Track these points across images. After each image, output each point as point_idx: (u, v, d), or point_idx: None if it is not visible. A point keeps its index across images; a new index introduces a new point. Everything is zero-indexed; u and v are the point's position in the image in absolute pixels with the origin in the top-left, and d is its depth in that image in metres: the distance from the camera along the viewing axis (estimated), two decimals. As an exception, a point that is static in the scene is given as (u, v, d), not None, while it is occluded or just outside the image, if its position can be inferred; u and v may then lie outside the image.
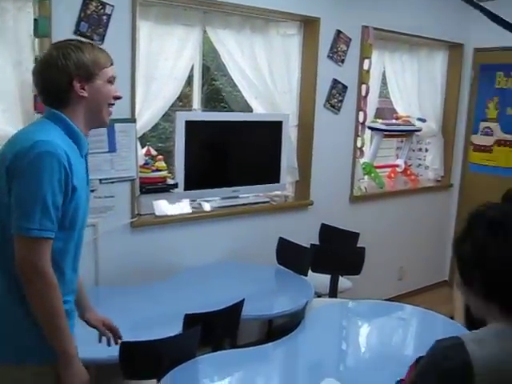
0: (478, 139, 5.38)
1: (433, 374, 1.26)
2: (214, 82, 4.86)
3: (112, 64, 1.81)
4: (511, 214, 1.32)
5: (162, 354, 2.21)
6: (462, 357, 1.21)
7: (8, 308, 1.67)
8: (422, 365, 1.31)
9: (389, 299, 4.81)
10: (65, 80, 1.70)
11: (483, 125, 5.32)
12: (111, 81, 1.80)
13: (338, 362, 2.62)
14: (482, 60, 5.28)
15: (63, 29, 2.83)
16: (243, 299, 2.69)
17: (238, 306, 2.68)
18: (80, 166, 1.74)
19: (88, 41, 1.98)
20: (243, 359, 2.49)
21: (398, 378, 2.07)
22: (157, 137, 4.42)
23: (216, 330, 2.56)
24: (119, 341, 2.07)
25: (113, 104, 1.82)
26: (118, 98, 1.84)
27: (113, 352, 2.09)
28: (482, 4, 1.74)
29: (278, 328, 3.24)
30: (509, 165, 5.15)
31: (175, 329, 2.46)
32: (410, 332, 3.10)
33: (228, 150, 3.83)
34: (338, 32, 4.11)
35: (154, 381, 2.20)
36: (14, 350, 1.66)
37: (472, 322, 2.95)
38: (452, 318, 3.23)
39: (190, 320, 2.45)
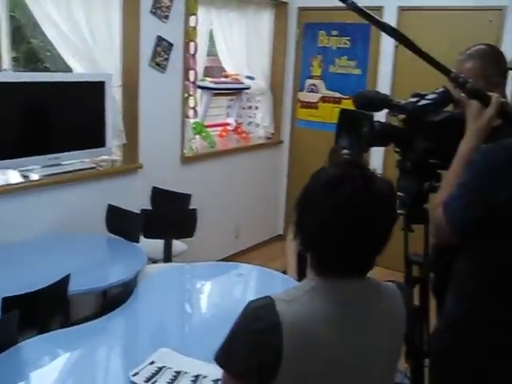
0: (304, 96, 5.53)
1: (245, 335, 1.21)
2: (32, 40, 4.42)
3: None
4: (350, 174, 1.25)
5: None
6: (272, 317, 1.18)
7: None
8: (235, 325, 1.25)
9: (227, 258, 4.88)
10: None
11: (309, 82, 5.48)
12: None
13: (176, 327, 2.54)
14: (306, 19, 5.40)
15: None
16: (68, 274, 2.51)
17: (64, 282, 2.49)
18: None
19: None
20: (74, 337, 2.31)
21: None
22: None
23: (40, 310, 2.36)
24: None
25: None
26: None
27: None
28: None
29: (114, 299, 3.08)
30: (332, 120, 5.34)
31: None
32: (247, 290, 3.13)
33: (46, 115, 3.50)
34: (161, -15, 3.91)
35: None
36: None
37: (304, 274, 3.05)
38: (285, 272, 3.33)
39: (9, 304, 2.22)
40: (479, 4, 4.49)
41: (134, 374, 1.91)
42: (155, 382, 1.88)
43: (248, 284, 3.19)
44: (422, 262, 2.23)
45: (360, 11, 1.76)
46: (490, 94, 1.66)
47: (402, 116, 2.11)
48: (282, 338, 1.16)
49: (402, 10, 4.82)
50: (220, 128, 5.22)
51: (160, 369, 1.95)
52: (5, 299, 2.23)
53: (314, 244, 1.28)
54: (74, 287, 2.58)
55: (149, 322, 2.51)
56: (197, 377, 1.91)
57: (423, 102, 2.08)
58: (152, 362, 1.99)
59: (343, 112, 2.19)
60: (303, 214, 1.28)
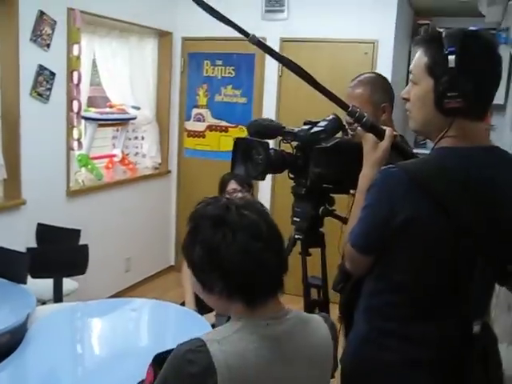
0: (191, 125, 5.54)
1: (178, 381, 1.19)
2: None
3: None
4: (230, 208, 1.29)
5: None
6: (205, 359, 1.18)
7: None
8: (165, 371, 1.23)
9: (118, 292, 4.73)
10: None
11: (195, 111, 5.51)
12: None
13: (71, 369, 2.40)
14: (190, 49, 5.44)
15: None
16: None
17: None
18: None
19: None
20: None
21: (140, 379, 1.98)
22: None
23: None
24: None
25: None
26: None
27: None
28: None
29: (2, 348, 2.86)
30: (220, 148, 5.42)
31: None
32: (142, 324, 3.03)
33: None
34: (41, 13, 3.76)
35: None
36: None
37: (202, 306, 3.02)
38: (183, 303, 3.27)
39: None
40: (355, 37, 4.78)
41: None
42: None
43: (143, 318, 3.09)
44: (320, 284, 2.29)
45: (261, 45, 1.81)
46: (384, 127, 1.74)
47: (295, 143, 2.17)
48: (217, 379, 1.16)
49: (284, 41, 4.99)
50: (106, 159, 5.08)
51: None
52: None
53: (245, 287, 1.27)
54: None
55: (42, 368, 2.34)
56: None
57: (315, 128, 2.14)
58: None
59: (238, 140, 2.22)
60: (223, 267, 1.25)
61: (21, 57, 3.66)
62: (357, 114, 1.72)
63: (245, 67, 5.25)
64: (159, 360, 1.88)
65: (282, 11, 5.02)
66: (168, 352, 1.87)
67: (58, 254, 3.43)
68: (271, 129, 2.24)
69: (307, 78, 1.75)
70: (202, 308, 3.14)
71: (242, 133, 5.22)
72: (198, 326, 2.65)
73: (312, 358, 1.33)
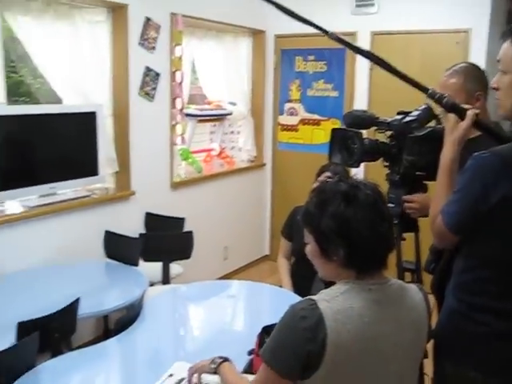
0: (284, 119, 5.73)
1: (293, 334, 1.36)
2: (12, 74, 4.52)
3: None
4: (359, 186, 1.46)
5: (-2, 369, 2.05)
6: (316, 315, 1.35)
7: None
8: (281, 326, 1.40)
9: (217, 279, 4.97)
10: None
11: (288, 105, 5.68)
12: None
13: (184, 345, 2.64)
14: (283, 45, 5.62)
15: None
16: (78, 298, 2.60)
17: (74, 306, 2.58)
18: None
19: None
20: (88, 360, 2.38)
21: (250, 349, 2.18)
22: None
23: (53, 334, 2.44)
24: None
25: None
26: None
27: None
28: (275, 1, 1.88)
29: (116, 323, 3.17)
30: (312, 141, 5.57)
31: (6, 340, 2.30)
32: (244, 304, 3.24)
33: (41, 145, 3.59)
34: (147, 19, 4.07)
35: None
36: None
37: (298, 291, 3.18)
38: (280, 286, 3.45)
39: (24, 328, 2.30)
40: (446, 27, 4.76)
41: (156, 386, 2.01)
42: (176, 392, 1.98)
43: (242, 300, 3.29)
44: (413, 268, 2.39)
45: (340, 40, 1.94)
46: (465, 106, 1.82)
47: (388, 132, 2.29)
48: (326, 332, 1.33)
49: (375, 34, 5.06)
50: (205, 153, 5.36)
51: (180, 380, 2.04)
52: (20, 324, 2.31)
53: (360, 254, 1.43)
54: (81, 311, 2.67)
55: (160, 339, 2.59)
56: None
57: (408, 118, 2.25)
58: (171, 375, 2.09)
59: (335, 131, 2.36)
60: (333, 230, 1.42)
61: (130, 59, 3.99)
62: (437, 96, 1.81)
63: (336, 61, 5.36)
64: (267, 330, 2.08)
65: (373, 5, 5.09)
66: (274, 324, 2.06)
67: (167, 240, 3.72)
68: (366, 119, 2.37)
69: (387, 67, 1.86)
70: (298, 292, 3.32)
71: (335, 126, 5.33)
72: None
73: (410, 321, 1.47)
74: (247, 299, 3.30)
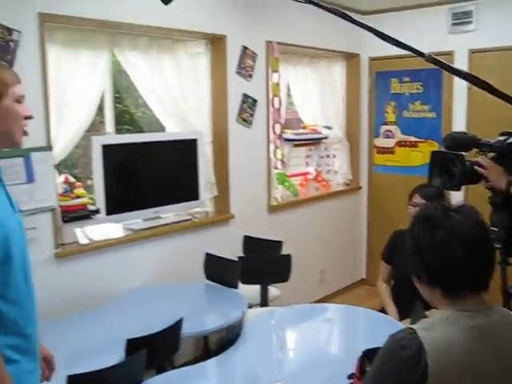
0: (380, 142, 5.69)
1: (393, 364, 1.38)
2: (118, 104, 4.80)
3: (19, 82, 1.72)
4: (437, 208, 1.49)
5: (110, 383, 2.17)
6: (416, 344, 1.35)
7: None
8: (380, 357, 1.42)
9: (313, 303, 4.97)
10: None
11: (384, 128, 5.65)
12: (19, 100, 1.71)
13: (282, 367, 2.67)
14: (377, 68, 5.61)
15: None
16: (182, 318, 2.70)
17: (178, 325, 2.68)
18: None
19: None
20: (190, 378, 2.49)
21: (350, 373, 2.18)
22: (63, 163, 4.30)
23: (158, 351, 2.55)
24: (53, 372, 1.97)
25: (24, 125, 1.73)
26: (29, 117, 1.75)
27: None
28: (369, 24, 1.89)
29: (216, 344, 3.25)
30: (409, 163, 5.49)
31: (115, 356, 2.43)
32: (341, 328, 3.24)
33: (146, 171, 3.80)
34: (244, 48, 4.22)
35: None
36: None
37: (403, 313, 3.13)
38: (380, 310, 3.41)
39: (132, 345, 2.42)
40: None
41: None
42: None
43: (345, 323, 3.29)
44: (520, 294, 2.30)
45: (436, 62, 1.92)
46: None
47: (491, 154, 2.23)
48: (427, 361, 1.33)
49: (473, 52, 4.94)
50: (301, 177, 5.42)
51: (280, 401, 2.09)
52: (129, 341, 2.44)
53: (443, 279, 1.44)
54: (183, 331, 2.76)
55: (258, 360, 2.65)
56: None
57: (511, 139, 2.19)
58: (271, 395, 2.14)
59: (435, 153, 2.34)
60: (425, 258, 1.45)
61: (228, 88, 4.14)
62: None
63: (433, 82, 5.28)
64: (368, 354, 2.07)
65: (471, 22, 4.98)
66: (376, 348, 2.05)
67: (265, 263, 3.79)
68: (466, 141, 2.32)
69: (487, 87, 1.82)
70: (400, 315, 3.28)
71: (432, 147, 5.24)
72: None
73: None
74: (343, 323, 3.29)
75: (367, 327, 3.22)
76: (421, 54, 1.93)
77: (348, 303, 4.96)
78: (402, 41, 1.96)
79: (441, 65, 1.94)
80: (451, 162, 2.24)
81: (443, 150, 2.32)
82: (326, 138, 5.37)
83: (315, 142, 5.40)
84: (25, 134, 1.75)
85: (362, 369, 2.08)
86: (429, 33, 5.03)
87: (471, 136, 2.34)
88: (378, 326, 3.04)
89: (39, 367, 1.80)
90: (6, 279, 1.60)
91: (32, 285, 1.74)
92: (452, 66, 1.96)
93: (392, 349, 1.39)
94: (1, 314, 1.59)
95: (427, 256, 1.43)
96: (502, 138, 2.22)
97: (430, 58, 1.90)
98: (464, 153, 2.24)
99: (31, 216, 3.04)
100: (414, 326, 1.41)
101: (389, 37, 1.98)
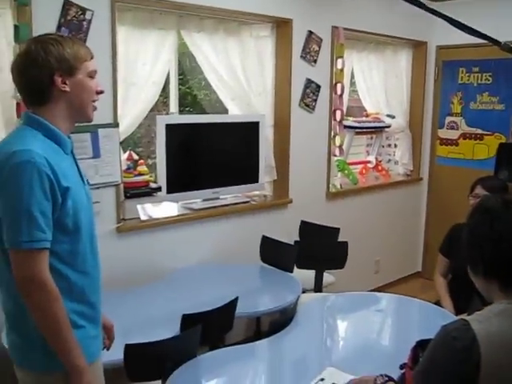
0: (444, 133, 5.55)
1: (444, 355, 1.37)
2: (181, 86, 4.87)
3: (92, 57, 1.77)
4: (498, 200, 1.47)
5: (165, 355, 2.23)
6: (470, 336, 1.33)
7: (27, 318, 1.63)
8: (432, 349, 1.40)
9: (367, 292, 4.93)
10: (46, 75, 1.66)
11: (448, 119, 5.50)
12: (92, 75, 1.76)
13: (332, 353, 2.67)
14: (445, 57, 5.46)
15: (44, 35, 2.83)
16: (237, 297, 2.73)
17: (233, 304, 2.72)
18: (68, 165, 1.72)
19: (66, 35, 1.94)
20: (242, 357, 2.52)
21: (402, 363, 2.15)
22: (130, 141, 4.40)
23: (212, 328, 2.60)
24: (112, 342, 2.05)
25: (95, 99, 1.79)
26: (101, 92, 1.80)
27: (113, 356, 2.09)
28: (441, 11, 1.85)
29: (270, 325, 3.29)
30: (474, 157, 5.33)
31: (170, 330, 2.49)
32: (393, 318, 3.20)
33: (207, 152, 3.84)
34: (310, 33, 4.19)
35: (159, 382, 2.22)
36: (42, 357, 1.65)
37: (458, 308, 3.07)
38: (435, 303, 3.35)
39: (187, 320, 2.47)
40: None
41: (309, 389, 2.07)
42: (328, 396, 2.03)
43: (398, 313, 3.25)
44: None
45: None
46: None
47: None
48: (480, 353, 1.31)
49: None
50: (361, 165, 5.37)
51: (331, 385, 2.09)
52: (185, 316, 2.49)
53: (500, 271, 1.41)
54: (237, 310, 2.80)
55: (311, 343, 2.66)
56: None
57: None
58: (322, 379, 2.14)
59: (503, 145, 2.28)
60: (482, 249, 1.43)
61: (293, 72, 4.13)
62: None
63: (503, 73, 5.10)
64: (422, 344, 2.05)
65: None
66: (430, 339, 2.02)
67: (322, 249, 3.78)
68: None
69: None
70: (456, 310, 3.22)
71: (499, 141, 5.06)
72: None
73: None
74: (396, 314, 3.25)
75: (421, 319, 3.18)
76: (497, 43, 1.88)
77: (402, 294, 4.92)
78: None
79: (519, 53, 1.89)
80: (520, 154, 2.18)
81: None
82: (388, 126, 5.28)
83: (377, 130, 5.32)
84: (95, 109, 1.81)
85: (414, 359, 2.06)
86: (505, 21, 4.84)
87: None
88: (431, 318, 2.99)
89: (102, 334, 1.88)
90: (74, 249, 1.68)
91: (98, 255, 1.81)
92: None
93: (444, 340, 1.38)
94: (69, 281, 1.67)
95: (484, 247, 1.42)
96: None
97: (507, 47, 1.86)
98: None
99: (96, 190, 3.12)
100: (467, 318, 1.39)
101: (463, 24, 1.93)
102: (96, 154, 3.11)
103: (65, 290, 1.63)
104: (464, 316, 3.03)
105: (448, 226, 3.58)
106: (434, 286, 3.58)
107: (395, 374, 2.16)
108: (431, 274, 3.75)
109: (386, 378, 1.82)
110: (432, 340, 1.44)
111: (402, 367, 2.21)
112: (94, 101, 1.79)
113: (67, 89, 1.70)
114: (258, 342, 2.65)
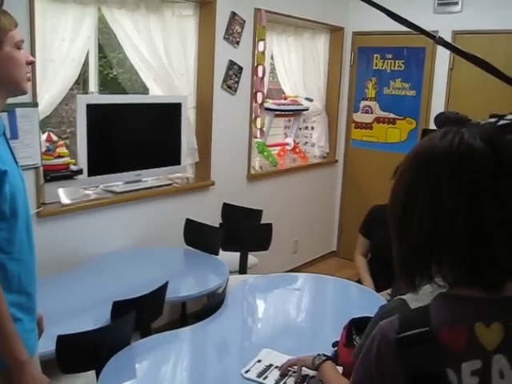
0: (358, 117, 5.72)
1: None
2: (102, 65, 4.69)
3: (17, 25, 1.65)
4: None
5: (98, 345, 2.17)
6: None
7: None
8: (370, 329, 1.44)
9: (286, 272, 5.03)
10: None
11: (363, 103, 5.68)
12: (19, 45, 1.65)
13: (270, 331, 2.68)
14: (361, 43, 5.61)
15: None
16: (167, 282, 2.70)
17: (163, 289, 2.69)
18: (2, 147, 1.62)
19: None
20: (178, 341, 2.51)
21: (334, 340, 2.22)
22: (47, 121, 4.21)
23: (144, 315, 2.56)
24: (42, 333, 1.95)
25: (28, 72, 1.69)
26: (31, 62, 1.71)
27: (44, 347, 2.00)
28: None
29: (201, 310, 3.27)
30: (387, 140, 5.54)
31: (99, 317, 2.44)
32: (312, 297, 3.28)
33: (129, 134, 3.75)
34: (233, 14, 4.16)
35: (93, 372, 2.16)
36: None
37: (376, 286, 3.20)
38: (357, 282, 3.48)
39: (119, 307, 2.42)
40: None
41: (246, 371, 2.09)
42: (266, 377, 2.05)
43: (327, 291, 3.36)
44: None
45: (447, 45, 1.93)
46: None
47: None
48: None
49: (457, 34, 4.98)
50: (278, 147, 5.43)
51: (268, 367, 2.12)
52: (116, 303, 2.44)
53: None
54: (168, 294, 2.77)
55: (245, 326, 2.69)
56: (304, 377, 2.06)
57: (502, 121, 2.24)
58: (259, 361, 2.17)
59: (425, 131, 2.38)
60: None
61: (216, 53, 4.09)
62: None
63: (414, 60, 5.31)
64: (355, 323, 2.12)
65: (456, 3, 5.01)
66: (363, 317, 2.10)
67: (247, 231, 3.81)
68: (458, 121, 2.35)
69: (494, 72, 1.85)
70: (376, 288, 3.36)
71: (410, 125, 5.31)
72: (374, 302, 2.84)
73: None
74: (312, 291, 3.34)
75: (335, 294, 3.31)
76: (431, 36, 1.93)
77: (319, 273, 5.06)
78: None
79: (450, 47, 1.96)
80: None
81: (433, 128, 2.36)
82: (307, 109, 5.37)
83: (295, 113, 5.40)
84: (28, 80, 1.71)
85: (348, 337, 2.13)
86: (413, 11, 5.01)
87: (462, 116, 2.37)
88: (346, 294, 3.19)
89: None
90: (11, 235, 1.59)
91: (33, 242, 1.72)
92: (462, 49, 1.98)
93: (383, 318, 1.41)
94: (6, 271, 1.58)
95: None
96: (492, 120, 2.26)
97: (441, 41, 1.91)
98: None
99: (14, 173, 2.97)
100: (403, 297, 1.41)
101: (396, 15, 1.97)
102: (14, 135, 2.93)
103: (2, 280, 1.55)
104: (385, 293, 3.18)
105: (362, 206, 3.70)
106: (348, 265, 3.71)
107: (321, 349, 2.21)
108: (346, 253, 3.88)
109: (324, 358, 1.87)
110: (372, 320, 1.47)
111: (334, 345, 2.30)
112: (27, 73, 1.68)
113: None
114: (192, 326, 2.63)
